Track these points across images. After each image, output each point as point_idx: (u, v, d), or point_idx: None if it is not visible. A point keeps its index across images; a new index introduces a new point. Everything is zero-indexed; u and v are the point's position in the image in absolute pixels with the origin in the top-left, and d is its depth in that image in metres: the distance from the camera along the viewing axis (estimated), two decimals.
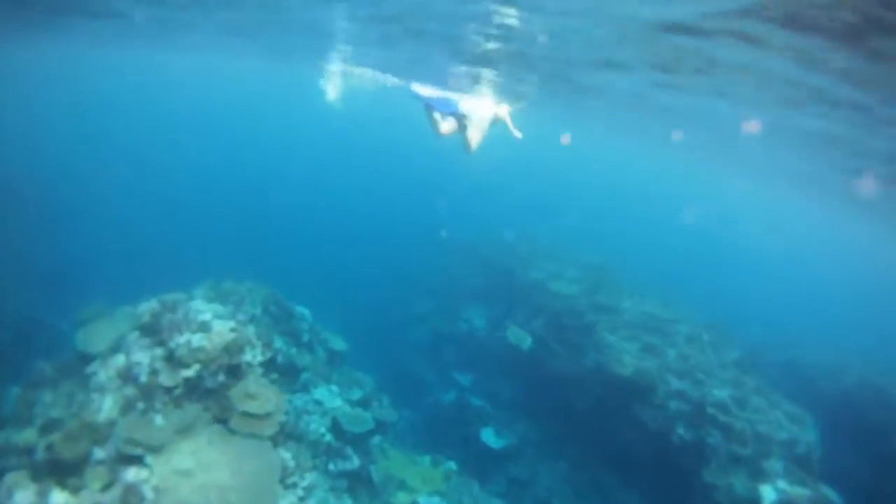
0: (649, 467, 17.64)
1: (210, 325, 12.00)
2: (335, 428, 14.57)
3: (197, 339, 11.47)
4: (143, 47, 35.01)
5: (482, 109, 12.83)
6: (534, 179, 74.08)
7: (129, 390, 10.95)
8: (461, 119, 12.37)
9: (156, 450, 10.14)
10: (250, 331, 12.89)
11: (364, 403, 16.16)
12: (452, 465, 16.59)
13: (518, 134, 13.75)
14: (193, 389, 11.14)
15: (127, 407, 10.71)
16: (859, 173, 23.67)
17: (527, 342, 21.89)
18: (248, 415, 11.01)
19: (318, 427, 14.23)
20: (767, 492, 15.83)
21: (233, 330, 12.05)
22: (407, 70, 20.34)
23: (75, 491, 9.64)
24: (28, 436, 10.64)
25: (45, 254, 25.75)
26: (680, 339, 20.56)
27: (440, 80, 20.16)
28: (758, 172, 38.90)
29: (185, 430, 10.54)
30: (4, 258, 23.26)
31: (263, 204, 42.07)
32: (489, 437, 19.82)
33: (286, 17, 18.22)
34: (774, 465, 16.49)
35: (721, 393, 18.04)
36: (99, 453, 10.14)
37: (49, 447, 10.07)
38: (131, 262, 25.26)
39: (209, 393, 11.22)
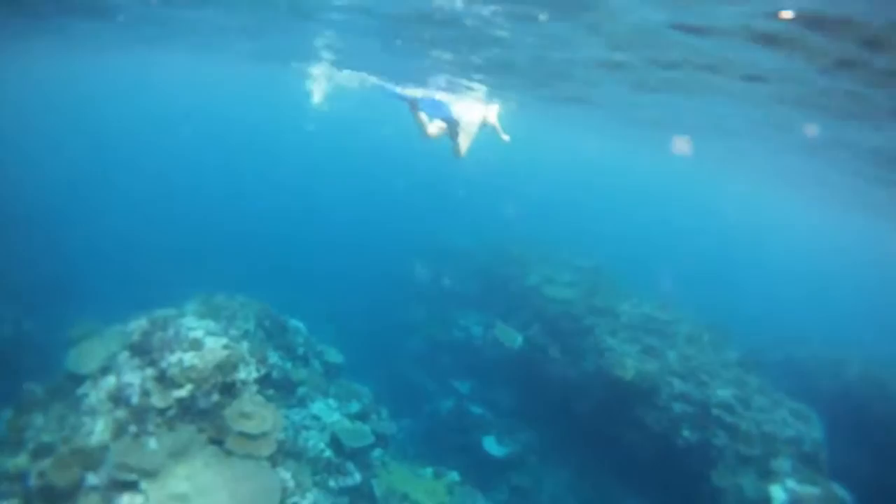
0: (655, 471, 17.34)
1: (202, 342, 11.66)
2: (334, 443, 14.23)
3: (189, 358, 11.12)
4: (133, 53, 34.67)
5: (472, 113, 12.53)
6: (525, 182, 73.81)
7: (121, 413, 10.59)
8: (453, 125, 12.06)
9: (150, 474, 9.77)
10: (244, 347, 12.54)
11: (363, 416, 15.84)
12: (455, 475, 16.25)
13: (506, 137, 13.48)
14: (187, 410, 10.77)
15: (119, 430, 10.35)
16: (859, 173, 23.59)
17: (517, 340, 21.75)
18: (244, 435, 10.64)
19: (317, 443, 13.90)
20: (777, 492, 15.54)
21: (225, 347, 11.71)
22: (393, 72, 20.03)
23: None
24: (20, 462, 10.36)
25: (34, 268, 25.32)
26: (680, 340, 20.36)
27: (424, 81, 19.94)
28: (756, 171, 38.74)
29: (179, 453, 10.17)
30: None
31: (253, 212, 41.65)
32: (491, 446, 19.49)
33: (272, 24, 17.90)
34: (783, 464, 16.21)
35: (724, 393, 17.80)
36: (92, 479, 9.79)
37: (41, 474, 9.83)
38: (121, 275, 24.89)
39: (203, 413, 10.85)
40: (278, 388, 14.50)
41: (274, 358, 15.25)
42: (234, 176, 50.11)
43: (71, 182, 35.67)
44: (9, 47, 33.29)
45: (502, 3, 11.22)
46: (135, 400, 10.66)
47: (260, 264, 30.21)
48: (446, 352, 24.02)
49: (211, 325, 12.87)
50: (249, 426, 10.77)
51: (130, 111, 71.30)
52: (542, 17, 11.56)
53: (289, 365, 15.95)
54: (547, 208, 58.91)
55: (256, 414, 11.06)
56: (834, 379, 24.97)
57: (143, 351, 11.52)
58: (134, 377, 10.98)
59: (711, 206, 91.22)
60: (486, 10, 11.91)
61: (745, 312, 31.31)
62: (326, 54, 20.89)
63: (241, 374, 11.60)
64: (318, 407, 15.22)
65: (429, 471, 16.00)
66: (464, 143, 12.27)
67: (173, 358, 11.07)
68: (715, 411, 17.15)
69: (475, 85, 19.17)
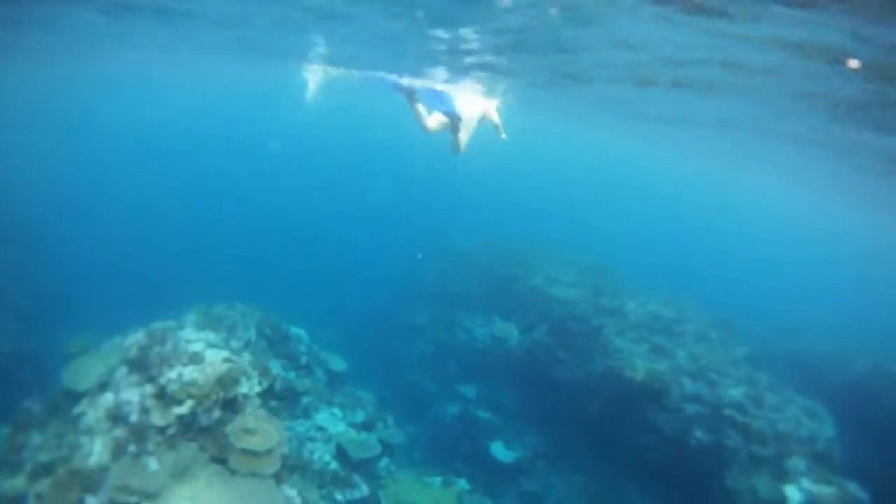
0: (667, 473, 17.01)
1: (202, 355, 11.32)
2: (341, 455, 13.93)
3: (189, 373, 10.78)
4: (125, 56, 34.35)
5: (473, 106, 12.19)
6: (523, 178, 73.49)
7: (120, 432, 10.25)
8: (454, 118, 11.69)
9: (151, 496, 9.44)
10: (245, 359, 12.22)
11: (368, 425, 15.56)
12: (464, 483, 15.95)
13: (504, 136, 13.11)
14: (188, 428, 10.44)
15: (118, 450, 10.01)
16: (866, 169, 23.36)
17: (514, 336, 21.55)
18: (247, 452, 10.29)
19: (322, 455, 13.59)
20: (793, 492, 15.27)
21: (226, 360, 11.37)
22: (389, 65, 19.57)
23: None
24: (17, 483, 10.12)
25: (32, 280, 25.00)
26: (688, 338, 20.01)
27: (422, 73, 19.45)
28: (760, 165, 38.44)
29: (181, 473, 9.83)
30: None
31: (251, 216, 41.26)
32: (499, 451, 19.18)
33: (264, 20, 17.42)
34: (797, 463, 15.92)
35: (736, 392, 17.48)
36: (91, 502, 9.47)
37: (39, 496, 9.61)
38: (120, 283, 24.62)
39: (205, 431, 10.51)
40: (282, 399, 14.20)
41: (276, 368, 14.95)
42: (231, 180, 49.64)
43: (66, 192, 35.31)
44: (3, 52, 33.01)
45: None
46: (134, 418, 10.33)
47: (260, 268, 30.01)
48: (451, 355, 23.67)
49: (211, 336, 12.55)
50: (253, 443, 10.42)
51: (125, 116, 70.77)
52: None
53: (292, 375, 15.66)
54: (544, 205, 58.63)
55: (260, 429, 10.72)
56: (841, 373, 24.62)
57: (141, 366, 11.17)
58: (132, 394, 10.63)
59: (707, 200, 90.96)
60: None
61: (743, 305, 30.89)
62: (319, 49, 20.30)
63: (244, 388, 11.27)
64: (322, 417, 14.92)
65: (437, 479, 15.66)
66: (463, 138, 11.93)
67: (173, 373, 10.72)
68: (727, 411, 16.83)
69: (479, 74, 18.52)
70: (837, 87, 12.40)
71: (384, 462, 14.92)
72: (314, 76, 25.30)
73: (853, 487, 15.31)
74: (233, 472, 10.14)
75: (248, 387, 11.41)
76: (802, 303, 43.53)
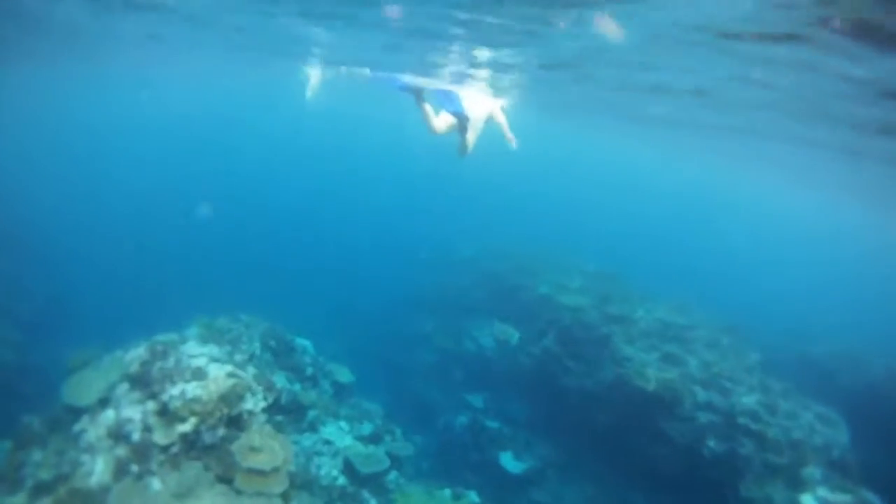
0: (680, 484, 16.72)
1: (205, 371, 11.01)
2: (348, 469, 13.66)
3: (192, 389, 10.47)
4: (123, 60, 34.17)
5: (480, 107, 11.90)
6: (526, 183, 73.26)
7: (121, 451, 9.94)
8: (462, 119, 11.39)
9: None
10: (249, 373, 11.91)
11: (376, 438, 15.31)
12: (474, 496, 15.62)
13: (512, 138, 12.72)
14: (192, 446, 10.12)
15: (120, 470, 9.70)
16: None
17: (514, 337, 21.50)
18: (253, 471, 9.97)
19: (330, 470, 13.33)
20: (808, 502, 14.97)
21: (230, 375, 11.06)
22: (392, 64, 19.25)
23: None
24: (18, 501, 9.84)
25: (34, 291, 24.78)
26: (699, 345, 19.75)
27: (428, 72, 19.10)
28: (770, 167, 38.16)
29: (185, 494, 9.51)
30: None
31: (253, 224, 41.01)
32: (508, 462, 18.87)
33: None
34: (813, 472, 15.64)
35: (749, 400, 17.23)
36: None
37: None
38: (121, 292, 24.41)
39: (209, 449, 10.19)
40: (287, 413, 13.98)
41: (282, 381, 14.70)
42: (233, 187, 49.38)
43: (67, 201, 35.10)
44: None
45: None
46: (136, 436, 10.03)
47: (263, 275, 29.77)
48: (457, 363, 23.39)
49: (214, 350, 12.25)
50: (259, 461, 10.11)
51: (124, 123, 70.70)
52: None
53: (297, 387, 15.39)
54: (545, 209, 58.38)
55: (266, 447, 10.40)
56: (854, 376, 24.27)
57: (142, 383, 10.86)
58: (134, 412, 10.33)
59: (710, 200, 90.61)
60: None
61: (751, 307, 30.54)
62: (317, 49, 19.92)
63: (248, 405, 10.95)
64: (329, 431, 14.65)
65: (447, 492, 15.33)
66: (471, 139, 11.64)
67: (175, 390, 10.42)
68: (741, 419, 16.58)
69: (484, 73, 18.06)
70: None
71: (392, 475, 14.64)
72: (315, 74, 25.00)
73: (869, 496, 15.00)
74: (238, 492, 9.81)
75: (254, 402, 11.09)
76: (812, 305, 43.09)
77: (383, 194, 54.78)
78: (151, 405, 10.40)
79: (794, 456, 15.83)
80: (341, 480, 13.24)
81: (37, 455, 10.70)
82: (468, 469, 18.87)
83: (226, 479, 9.93)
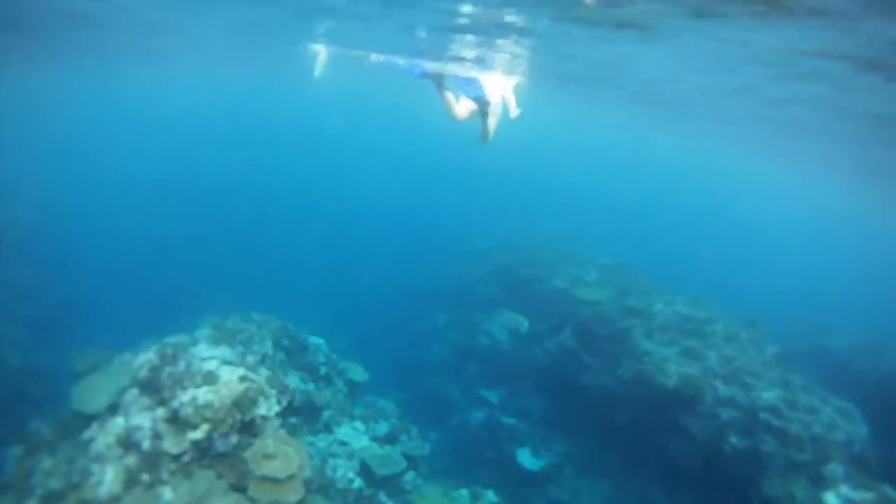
0: (700, 481, 16.44)
1: (217, 375, 10.72)
2: (364, 471, 13.39)
3: (203, 394, 10.19)
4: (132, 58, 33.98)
5: (499, 89, 11.58)
6: (539, 174, 72.72)
7: (131, 459, 9.69)
8: (484, 104, 11.07)
9: None
10: (262, 375, 11.63)
11: (392, 438, 15.09)
12: (492, 495, 15.38)
13: (516, 110, 12.25)
14: (204, 454, 9.86)
15: (130, 480, 9.46)
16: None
17: (524, 326, 21.20)
18: (268, 479, 9.70)
19: (345, 472, 13.07)
20: (831, 499, 14.72)
21: (243, 379, 10.77)
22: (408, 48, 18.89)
23: None
24: None
25: (41, 291, 24.60)
26: (718, 339, 19.31)
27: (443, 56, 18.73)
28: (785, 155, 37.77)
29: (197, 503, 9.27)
30: None
31: (263, 219, 40.71)
32: (525, 459, 18.61)
33: None
34: (835, 469, 15.36)
35: (770, 395, 16.88)
36: None
37: None
38: (129, 292, 24.25)
39: (222, 457, 9.92)
40: (302, 414, 13.74)
41: (295, 381, 14.45)
42: (242, 182, 49.08)
43: (74, 200, 34.84)
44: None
45: None
46: (146, 445, 9.77)
47: (273, 270, 29.53)
48: (472, 358, 23.08)
49: (226, 352, 12.01)
50: (273, 468, 9.84)
51: (131, 120, 70.42)
52: None
53: (311, 387, 15.14)
54: (556, 200, 57.82)
55: (280, 453, 10.13)
56: (872, 368, 23.95)
57: (152, 388, 10.60)
58: (144, 419, 10.07)
59: (720, 188, 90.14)
60: None
61: (766, 298, 30.12)
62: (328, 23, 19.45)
63: (262, 410, 10.68)
64: (344, 431, 14.41)
65: (464, 493, 15.08)
66: (492, 123, 11.31)
67: (186, 396, 10.14)
68: (762, 415, 16.25)
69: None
70: None
71: (409, 476, 14.40)
72: (322, 51, 24.58)
73: (891, 492, 14.74)
74: (253, 501, 9.55)
75: (267, 407, 10.82)
76: (829, 295, 42.68)
77: (396, 188, 54.38)
78: (161, 412, 10.14)
79: (816, 452, 15.53)
80: (357, 483, 12.98)
81: (46, 463, 10.48)
82: (484, 466, 18.66)
83: (239, 488, 9.67)
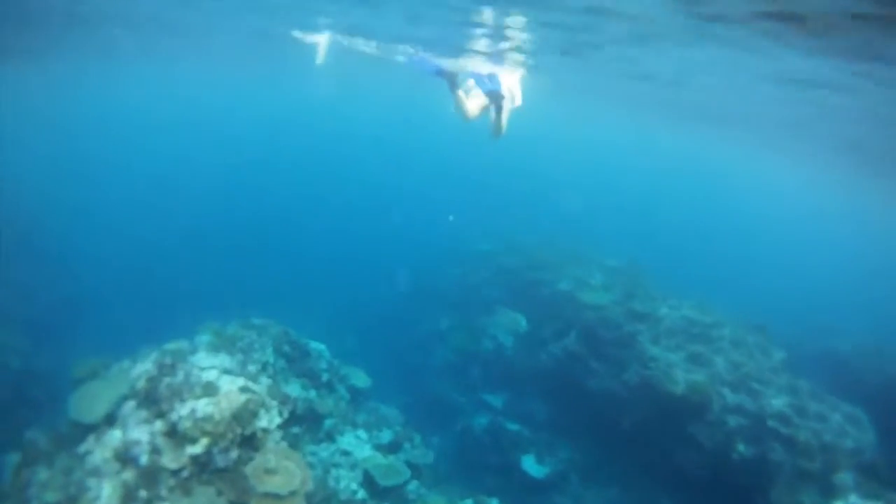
0: (707, 489, 16.25)
1: (217, 385, 10.48)
2: (368, 482, 13.14)
3: (203, 407, 9.95)
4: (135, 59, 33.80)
5: (509, 82, 11.34)
6: (539, 176, 72.43)
7: (129, 475, 9.46)
8: (498, 98, 10.80)
9: None
10: (263, 385, 11.40)
11: (395, 446, 14.87)
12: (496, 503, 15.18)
13: (518, 99, 12.01)
14: (203, 469, 9.62)
15: (128, 496, 9.23)
16: None
17: (521, 324, 21.28)
18: (269, 496, 9.47)
19: (348, 483, 12.84)
20: None
21: (243, 390, 10.54)
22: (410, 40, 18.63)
23: None
24: None
25: (41, 296, 24.42)
26: (725, 344, 19.06)
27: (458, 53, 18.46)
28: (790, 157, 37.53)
29: None
30: None
31: (264, 222, 40.48)
32: (530, 465, 18.39)
33: None
34: (845, 478, 15.19)
35: (779, 402, 16.70)
36: None
37: None
38: (129, 295, 24.07)
39: (222, 472, 9.68)
40: (303, 423, 13.51)
41: (296, 389, 14.24)
42: (242, 185, 48.86)
43: (75, 204, 34.65)
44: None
45: None
46: (144, 460, 9.54)
47: (274, 273, 29.34)
48: (475, 362, 22.81)
49: (226, 361, 11.77)
50: (275, 484, 9.60)
51: (133, 123, 70.22)
52: None
53: (313, 394, 14.89)
54: (560, 201, 57.57)
55: (282, 468, 9.89)
56: (879, 372, 23.71)
57: (150, 400, 10.35)
58: (141, 433, 9.84)
59: (722, 190, 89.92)
60: None
61: (769, 299, 29.86)
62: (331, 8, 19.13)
63: (263, 422, 10.44)
64: (347, 440, 14.18)
65: (468, 502, 14.87)
66: (505, 118, 11.07)
67: (185, 409, 9.90)
68: (771, 423, 16.08)
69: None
70: None
71: (413, 485, 14.18)
72: (323, 40, 24.35)
73: None
74: None
75: (268, 419, 10.58)
76: (831, 295, 42.38)
77: (398, 190, 54.15)
78: (160, 425, 9.91)
79: (825, 460, 15.39)
80: (361, 494, 12.75)
81: (43, 474, 10.28)
82: (488, 472, 18.46)
83: None
